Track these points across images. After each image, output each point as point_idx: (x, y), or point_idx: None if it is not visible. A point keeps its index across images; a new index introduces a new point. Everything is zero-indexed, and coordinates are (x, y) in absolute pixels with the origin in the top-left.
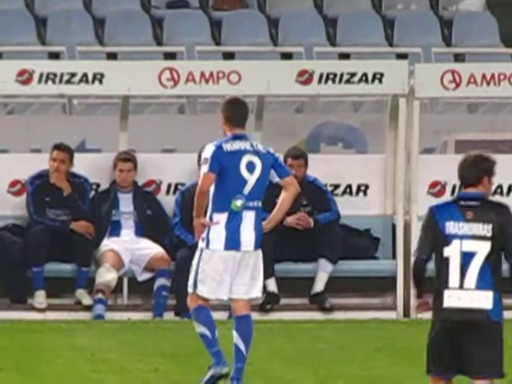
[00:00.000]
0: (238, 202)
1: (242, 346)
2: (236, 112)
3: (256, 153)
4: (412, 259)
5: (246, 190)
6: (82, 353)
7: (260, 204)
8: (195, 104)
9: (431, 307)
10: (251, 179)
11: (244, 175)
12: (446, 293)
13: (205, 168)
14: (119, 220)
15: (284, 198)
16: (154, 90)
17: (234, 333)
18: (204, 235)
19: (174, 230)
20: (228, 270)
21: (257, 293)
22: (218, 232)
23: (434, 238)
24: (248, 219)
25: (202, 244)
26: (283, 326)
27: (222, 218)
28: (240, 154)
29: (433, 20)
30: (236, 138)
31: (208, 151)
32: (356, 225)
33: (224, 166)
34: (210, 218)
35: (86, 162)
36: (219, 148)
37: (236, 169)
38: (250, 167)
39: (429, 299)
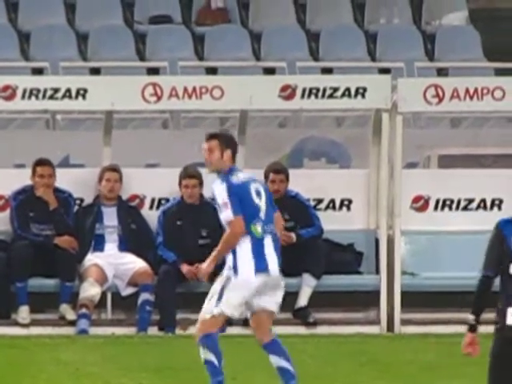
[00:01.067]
0: (258, 227)
1: (286, 364)
2: (236, 148)
3: (255, 181)
4: (478, 275)
5: (262, 215)
6: (66, 367)
7: (274, 228)
8: (178, 119)
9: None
10: (262, 205)
11: (256, 202)
12: (510, 310)
13: (229, 213)
14: (103, 234)
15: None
16: (137, 105)
17: (271, 357)
18: (231, 264)
19: (158, 249)
20: (256, 294)
21: (275, 304)
22: (245, 259)
23: (501, 253)
24: (269, 244)
25: (229, 272)
26: None
27: (244, 243)
28: (248, 182)
29: (415, 34)
30: (234, 170)
31: (222, 192)
32: (339, 239)
33: (240, 197)
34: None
35: (69, 177)
36: (230, 183)
37: (249, 196)
38: (258, 194)
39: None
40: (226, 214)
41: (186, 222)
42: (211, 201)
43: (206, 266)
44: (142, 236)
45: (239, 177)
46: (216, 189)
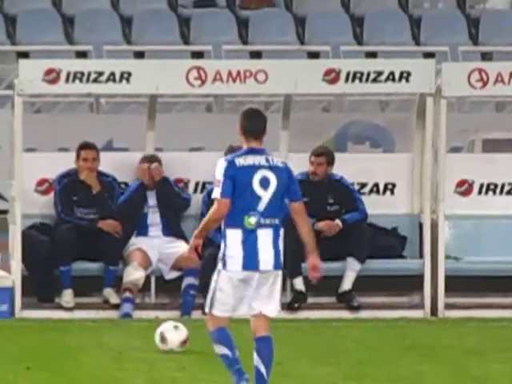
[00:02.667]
0: (252, 220)
1: (263, 369)
2: (252, 125)
3: (271, 168)
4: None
5: (261, 206)
6: (109, 351)
7: (278, 221)
8: (222, 103)
9: None
10: (265, 196)
11: (257, 191)
12: None
13: (217, 192)
14: (147, 215)
15: (304, 233)
16: (181, 88)
17: (255, 355)
18: (220, 255)
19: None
20: (247, 288)
21: (272, 312)
22: (234, 251)
23: None
24: (265, 237)
25: (218, 265)
26: (311, 325)
27: (235, 234)
28: (254, 169)
29: (460, 18)
30: (250, 151)
31: (220, 169)
32: (383, 223)
33: (237, 181)
34: (224, 234)
35: (113, 160)
36: (231, 163)
37: (249, 185)
38: (264, 183)
39: None
40: (215, 192)
41: None
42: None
43: (190, 242)
44: (176, 203)
45: (247, 159)
46: (217, 164)
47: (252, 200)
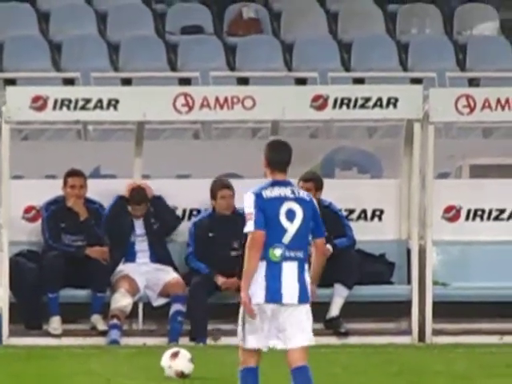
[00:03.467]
0: (277, 252)
1: None
2: (277, 156)
3: (297, 200)
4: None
5: (286, 239)
6: (97, 378)
7: (303, 255)
8: (210, 129)
9: None
10: (291, 228)
11: (283, 224)
12: None
13: (251, 225)
14: (134, 243)
15: (315, 266)
16: (168, 115)
17: None
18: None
19: (188, 260)
20: (273, 321)
21: (303, 341)
22: (258, 284)
23: None
24: (289, 270)
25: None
26: None
27: (260, 267)
28: (280, 200)
29: (447, 44)
30: (276, 183)
31: (249, 202)
32: (371, 250)
33: (265, 213)
34: None
35: (100, 187)
36: (259, 196)
37: (275, 216)
38: (290, 215)
39: None
40: (248, 225)
41: (217, 233)
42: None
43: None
44: (167, 225)
45: (273, 191)
46: (245, 198)
47: (278, 232)
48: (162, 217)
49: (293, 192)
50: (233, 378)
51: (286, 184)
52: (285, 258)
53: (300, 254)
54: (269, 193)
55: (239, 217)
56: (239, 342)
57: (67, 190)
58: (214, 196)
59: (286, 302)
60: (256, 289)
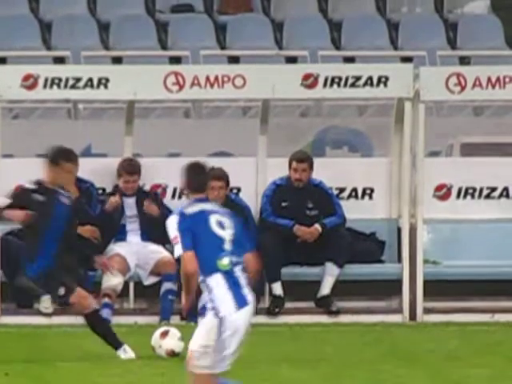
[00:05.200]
0: (225, 261)
1: None
2: (197, 179)
3: (222, 213)
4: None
5: (227, 246)
6: (88, 357)
7: (241, 259)
8: (200, 108)
9: None
10: (227, 235)
11: (217, 232)
12: None
13: (179, 249)
14: (125, 224)
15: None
16: (159, 94)
17: None
18: (209, 306)
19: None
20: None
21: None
22: (221, 296)
23: None
24: (241, 274)
25: (208, 316)
26: (289, 330)
27: (217, 280)
28: (206, 213)
29: (438, 23)
30: (198, 201)
31: (172, 225)
32: (362, 228)
33: (194, 230)
34: (206, 285)
35: (91, 166)
36: (182, 215)
37: (207, 228)
38: (221, 224)
39: None
40: (176, 249)
41: None
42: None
43: (183, 303)
44: (162, 222)
45: (195, 207)
46: (168, 222)
47: (216, 242)
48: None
49: (215, 206)
50: None
51: (207, 200)
52: (233, 264)
53: (241, 260)
54: (191, 209)
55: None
56: (200, 370)
57: None
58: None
59: (249, 300)
60: (223, 301)
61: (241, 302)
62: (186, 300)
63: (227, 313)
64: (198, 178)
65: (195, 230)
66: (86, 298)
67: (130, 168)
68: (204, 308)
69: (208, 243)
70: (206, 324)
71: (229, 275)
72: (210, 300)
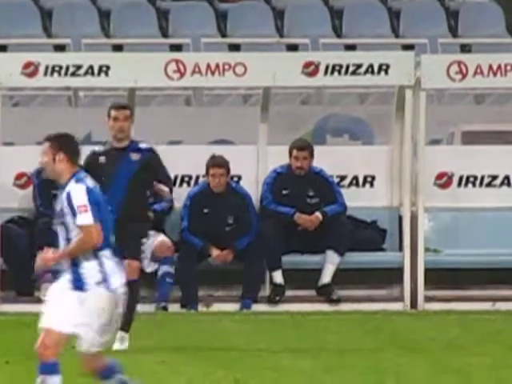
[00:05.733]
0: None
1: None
2: (77, 149)
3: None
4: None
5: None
6: None
7: None
8: (201, 96)
9: None
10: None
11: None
12: None
13: (87, 218)
14: None
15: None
16: (160, 81)
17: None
18: (98, 279)
19: (182, 234)
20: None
21: None
22: (112, 270)
23: None
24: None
25: (99, 288)
26: (290, 318)
27: (107, 255)
28: (97, 187)
29: (439, 10)
30: (84, 174)
31: (80, 193)
32: (363, 216)
33: (98, 203)
34: (97, 256)
35: None
36: (88, 188)
37: (104, 203)
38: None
39: None
40: (83, 218)
41: (212, 209)
42: (237, 187)
43: (51, 255)
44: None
45: (91, 181)
46: (73, 190)
47: (110, 218)
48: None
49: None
50: (225, 345)
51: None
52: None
53: None
54: (91, 182)
55: (233, 192)
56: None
57: None
58: (207, 172)
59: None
60: (113, 275)
61: (122, 276)
62: (57, 257)
63: (118, 285)
64: (78, 149)
65: (99, 204)
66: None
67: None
68: (74, 279)
69: (106, 218)
70: (99, 297)
71: (113, 252)
72: (100, 272)
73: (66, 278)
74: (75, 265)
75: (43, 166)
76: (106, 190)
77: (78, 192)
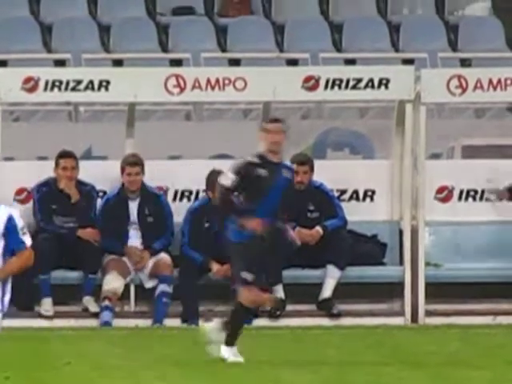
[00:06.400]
0: None
1: None
2: None
3: None
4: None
5: None
6: (89, 360)
7: None
8: (201, 111)
9: None
10: None
11: None
12: None
13: (28, 241)
14: (128, 229)
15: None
16: (160, 96)
17: None
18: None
19: (182, 249)
20: None
21: None
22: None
23: None
24: None
25: None
26: (291, 332)
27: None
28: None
29: (439, 25)
30: None
31: (18, 216)
32: (363, 230)
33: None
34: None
35: (92, 169)
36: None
37: None
38: None
39: None
40: (27, 239)
41: (213, 223)
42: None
43: None
44: (159, 226)
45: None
46: (15, 214)
47: None
48: (158, 217)
49: None
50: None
51: None
52: None
53: None
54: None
55: None
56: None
57: (59, 172)
58: (207, 186)
59: None
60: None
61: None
62: None
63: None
64: None
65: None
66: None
67: (132, 159)
68: None
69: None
70: None
71: None
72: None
73: None
74: None
75: None
76: (263, 200)
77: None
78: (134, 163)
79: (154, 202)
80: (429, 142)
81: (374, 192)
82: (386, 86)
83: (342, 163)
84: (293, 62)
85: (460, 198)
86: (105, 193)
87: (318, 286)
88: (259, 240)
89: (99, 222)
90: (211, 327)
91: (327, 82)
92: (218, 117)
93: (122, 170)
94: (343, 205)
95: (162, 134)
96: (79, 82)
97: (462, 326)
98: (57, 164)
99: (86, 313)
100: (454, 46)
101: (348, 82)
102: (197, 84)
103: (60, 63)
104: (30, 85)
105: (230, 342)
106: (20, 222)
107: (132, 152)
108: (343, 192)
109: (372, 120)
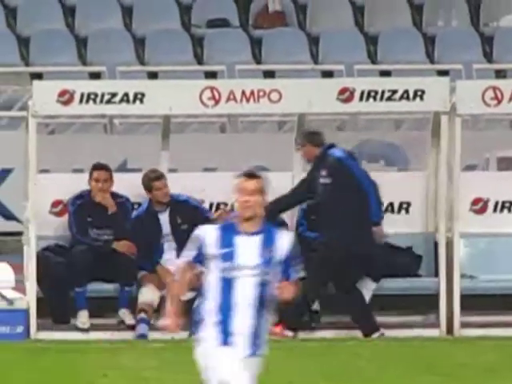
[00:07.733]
0: None
1: None
2: None
3: None
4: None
5: None
6: (125, 372)
7: None
8: (236, 123)
9: None
10: None
11: None
12: None
13: None
14: (162, 242)
15: None
16: (195, 109)
17: None
18: None
19: None
20: None
21: None
22: None
23: None
24: None
25: None
26: (325, 344)
27: None
28: None
29: (474, 36)
30: None
31: None
32: (398, 242)
33: None
34: None
35: (127, 181)
36: None
37: None
38: None
39: None
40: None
41: None
42: None
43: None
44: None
45: None
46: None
47: None
48: (192, 222)
49: None
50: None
51: None
52: None
53: None
54: None
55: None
56: None
57: (92, 184)
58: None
59: None
60: None
61: None
62: None
63: None
64: None
65: None
66: None
67: (154, 175)
68: None
69: None
70: None
71: None
72: None
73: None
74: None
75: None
76: None
77: None
78: (159, 177)
79: (183, 209)
80: (464, 153)
81: (409, 204)
82: (421, 98)
83: (377, 175)
84: (328, 74)
85: (495, 209)
86: (139, 205)
87: None
88: None
89: (131, 239)
90: None
91: (362, 93)
92: (252, 129)
93: (149, 188)
94: None
95: (197, 147)
96: (114, 95)
97: (497, 338)
98: (91, 176)
99: (121, 325)
100: (488, 57)
101: (383, 93)
102: (231, 96)
103: (95, 76)
104: (66, 98)
105: None
106: None
107: (149, 169)
108: None
109: (407, 131)
